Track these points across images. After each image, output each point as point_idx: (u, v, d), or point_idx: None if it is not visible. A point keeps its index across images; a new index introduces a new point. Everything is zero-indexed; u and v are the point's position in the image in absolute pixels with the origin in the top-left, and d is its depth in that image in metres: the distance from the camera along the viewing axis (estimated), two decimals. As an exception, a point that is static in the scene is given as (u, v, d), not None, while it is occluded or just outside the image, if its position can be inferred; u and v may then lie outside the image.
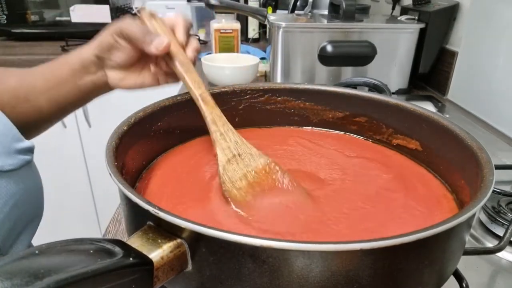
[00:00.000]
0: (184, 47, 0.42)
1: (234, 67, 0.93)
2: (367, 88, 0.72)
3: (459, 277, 0.33)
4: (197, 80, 0.41)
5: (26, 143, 0.39)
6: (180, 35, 0.42)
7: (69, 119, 1.30)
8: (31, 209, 0.40)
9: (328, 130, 0.48)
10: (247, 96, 0.47)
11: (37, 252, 0.19)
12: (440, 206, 0.34)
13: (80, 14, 1.42)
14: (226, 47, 1.11)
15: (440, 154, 0.39)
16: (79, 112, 1.39)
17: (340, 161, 0.42)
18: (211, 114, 0.39)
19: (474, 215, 0.25)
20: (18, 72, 0.47)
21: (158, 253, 0.23)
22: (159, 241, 0.23)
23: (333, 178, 0.39)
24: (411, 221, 0.32)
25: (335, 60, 0.91)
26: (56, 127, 0.54)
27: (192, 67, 0.41)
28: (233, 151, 0.38)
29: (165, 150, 0.43)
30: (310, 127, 0.49)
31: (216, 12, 1.09)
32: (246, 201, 0.34)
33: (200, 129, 0.46)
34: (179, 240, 0.23)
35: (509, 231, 0.35)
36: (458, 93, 0.91)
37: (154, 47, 0.39)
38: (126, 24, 0.40)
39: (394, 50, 0.92)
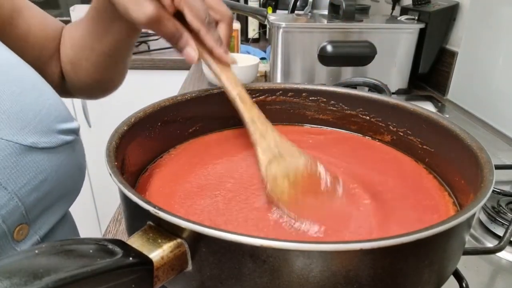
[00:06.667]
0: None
1: (234, 67, 0.93)
2: (367, 88, 0.72)
3: (459, 277, 0.33)
4: (233, 78, 0.38)
5: (70, 125, 0.39)
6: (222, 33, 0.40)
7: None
8: (64, 185, 0.40)
9: (328, 128, 0.48)
10: (247, 96, 0.47)
11: (36, 251, 0.19)
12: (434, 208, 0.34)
13: (80, 14, 1.41)
14: (226, 47, 1.11)
15: (440, 154, 0.39)
16: (79, 112, 1.39)
17: (334, 158, 0.42)
18: (250, 113, 0.38)
19: (474, 215, 0.25)
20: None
21: (158, 253, 0.23)
22: (159, 241, 0.23)
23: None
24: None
25: (335, 60, 0.91)
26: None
27: (228, 66, 0.39)
28: (274, 151, 0.36)
29: (165, 150, 0.43)
30: (309, 126, 0.49)
31: (216, 12, 1.09)
32: (292, 200, 0.33)
33: (200, 129, 0.46)
34: (179, 240, 0.23)
35: (509, 231, 0.35)
36: (458, 93, 0.91)
37: (186, 56, 0.37)
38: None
39: (394, 50, 0.92)
